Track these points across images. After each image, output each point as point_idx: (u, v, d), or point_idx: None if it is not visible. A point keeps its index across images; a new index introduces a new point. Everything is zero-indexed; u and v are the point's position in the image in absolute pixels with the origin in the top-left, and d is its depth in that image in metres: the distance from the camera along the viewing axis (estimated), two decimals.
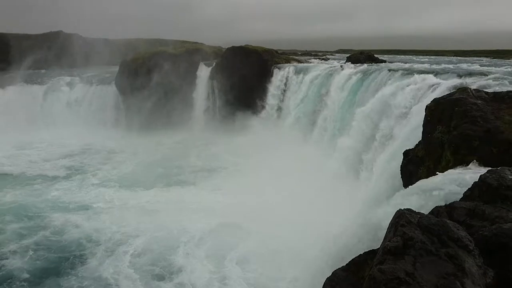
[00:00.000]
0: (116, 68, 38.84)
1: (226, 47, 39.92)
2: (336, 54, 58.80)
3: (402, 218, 5.34)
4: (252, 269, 14.10)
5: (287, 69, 32.67)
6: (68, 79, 38.60)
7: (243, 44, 37.69)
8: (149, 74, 35.96)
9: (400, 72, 21.64)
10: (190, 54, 40.11)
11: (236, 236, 16.12)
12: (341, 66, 28.69)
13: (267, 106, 32.20)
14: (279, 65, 34.44)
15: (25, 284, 13.74)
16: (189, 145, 31.29)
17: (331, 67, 29.83)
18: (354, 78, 24.53)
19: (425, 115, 11.54)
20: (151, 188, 22.48)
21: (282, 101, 31.16)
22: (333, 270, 7.29)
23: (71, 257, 15.25)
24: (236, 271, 14.08)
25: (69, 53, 43.93)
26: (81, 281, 13.77)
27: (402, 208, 5.80)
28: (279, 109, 31.18)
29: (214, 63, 38.02)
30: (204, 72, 37.67)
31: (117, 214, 18.96)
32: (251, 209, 17.98)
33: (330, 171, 20.34)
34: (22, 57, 43.80)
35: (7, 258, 15.24)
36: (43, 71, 42.99)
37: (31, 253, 15.58)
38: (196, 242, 16.01)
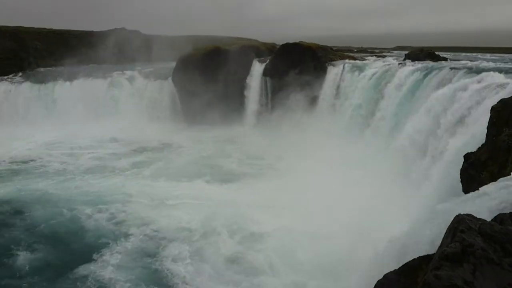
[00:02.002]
0: (173, 64, 40.18)
1: (280, 44, 39.92)
2: (394, 51, 56.81)
3: (462, 224, 5.11)
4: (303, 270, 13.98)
5: (341, 66, 32.10)
6: (128, 74, 40.48)
7: (297, 41, 37.52)
8: (204, 70, 36.79)
9: (463, 70, 20.55)
10: (244, 50, 40.55)
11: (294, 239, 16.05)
12: (399, 63, 27.74)
13: (321, 103, 31.84)
14: (333, 62, 33.93)
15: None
16: (242, 141, 31.72)
17: (388, 64, 28.93)
18: (413, 76, 23.63)
19: (490, 116, 10.92)
20: (210, 182, 23.08)
21: (336, 98, 30.67)
22: (385, 273, 7.12)
23: None
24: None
25: (130, 49, 46.03)
26: None
27: (462, 213, 5.54)
28: (333, 106, 30.69)
29: (268, 60, 38.16)
30: (257, 68, 37.95)
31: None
32: (303, 210, 17.77)
33: (385, 171, 19.77)
34: (87, 53, 46.55)
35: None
36: (106, 65, 45.35)
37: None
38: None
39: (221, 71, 37.23)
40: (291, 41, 37.45)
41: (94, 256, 15.32)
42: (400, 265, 7.00)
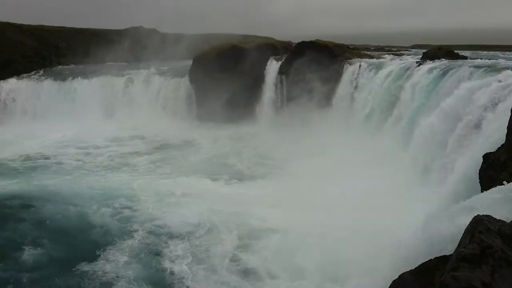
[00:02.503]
0: (190, 62, 40.49)
1: (297, 42, 39.81)
2: (412, 50, 56.01)
3: (480, 225, 5.06)
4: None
5: (358, 64, 31.84)
6: (145, 71, 40.97)
7: (313, 39, 37.34)
8: (220, 68, 36.95)
9: (483, 69, 20.18)
10: (260, 48, 40.58)
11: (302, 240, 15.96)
12: (416, 62, 27.37)
13: (337, 101, 31.64)
14: (350, 60, 33.66)
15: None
16: (256, 139, 31.79)
17: (405, 62, 28.58)
18: (431, 74, 23.29)
19: (510, 116, 10.72)
20: (226, 179, 23.26)
21: (352, 97, 30.44)
22: (400, 273, 7.10)
23: None
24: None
25: (147, 47, 46.54)
26: None
27: (481, 214, 5.49)
28: (349, 105, 30.49)
29: (284, 58, 38.12)
30: (273, 66, 37.94)
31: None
32: (315, 209, 17.66)
33: (402, 170, 19.59)
34: (106, 50, 47.23)
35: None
36: (123, 63, 45.95)
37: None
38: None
39: (237, 69, 37.33)
40: (307, 40, 37.34)
41: (98, 252, 15.43)
42: (416, 265, 6.98)
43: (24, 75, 41.65)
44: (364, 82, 29.98)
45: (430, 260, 6.60)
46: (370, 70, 30.17)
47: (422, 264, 6.61)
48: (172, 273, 14.21)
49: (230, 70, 36.88)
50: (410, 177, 18.90)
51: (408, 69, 26.41)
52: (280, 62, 37.69)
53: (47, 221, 18.25)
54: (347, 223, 15.72)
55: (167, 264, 14.72)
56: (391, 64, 29.12)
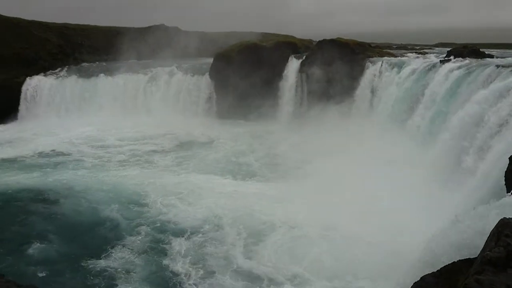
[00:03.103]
0: (211, 60, 40.74)
1: (317, 40, 39.55)
2: (435, 48, 54.89)
3: (507, 228, 4.95)
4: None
5: (380, 63, 31.45)
6: (168, 69, 41.39)
7: (334, 37, 37.02)
8: (240, 66, 37.06)
9: (510, 68, 19.63)
10: (280, 46, 40.53)
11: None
12: (440, 60, 26.83)
13: (358, 101, 31.32)
14: (372, 58, 33.26)
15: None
16: (275, 137, 31.74)
17: (429, 61, 28.05)
18: (456, 73, 22.79)
19: None
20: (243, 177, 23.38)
21: (374, 95, 30.08)
22: (422, 275, 6.99)
23: None
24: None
25: (169, 45, 46.99)
26: None
27: (507, 217, 5.36)
28: (371, 104, 30.14)
29: (304, 56, 37.94)
30: (294, 64, 37.80)
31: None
32: (333, 210, 17.53)
33: (424, 169, 19.25)
34: (128, 48, 47.93)
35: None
36: (145, 61, 46.55)
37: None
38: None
39: (257, 67, 37.37)
40: (328, 38, 37.02)
41: (106, 248, 15.59)
42: (438, 268, 6.86)
43: (49, 72, 42.68)
44: (385, 81, 29.59)
45: (454, 262, 6.49)
46: (392, 69, 29.76)
47: (445, 266, 6.49)
48: (175, 271, 14.22)
49: (250, 68, 36.94)
50: (432, 178, 18.57)
51: (431, 67, 25.92)
52: (300, 60, 37.53)
53: (58, 216, 18.65)
54: (365, 224, 15.56)
55: (171, 262, 14.74)
56: (414, 63, 28.64)
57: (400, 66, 29.28)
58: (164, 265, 14.63)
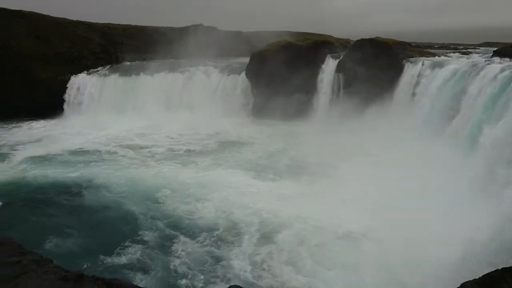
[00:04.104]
0: (247, 59, 41.04)
1: (355, 40, 39.00)
2: (480, 48, 52.73)
3: None
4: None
5: (420, 63, 30.55)
6: (205, 68, 42.09)
7: (373, 36, 36.38)
8: (277, 66, 37.11)
9: None
10: (317, 46, 40.29)
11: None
12: (486, 60, 25.76)
13: (396, 102, 30.58)
14: (412, 58, 32.39)
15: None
16: (311, 137, 31.51)
17: (473, 61, 26.98)
18: (503, 74, 21.76)
19: None
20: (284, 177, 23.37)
21: (413, 97, 29.24)
22: (462, 283, 6.80)
23: None
24: None
25: (207, 44, 47.73)
26: None
27: None
28: (409, 105, 29.29)
29: (342, 56, 37.49)
30: (330, 64, 37.47)
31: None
32: (365, 215, 17.30)
33: (463, 175, 18.56)
34: (167, 47, 49.10)
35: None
36: (183, 60, 47.47)
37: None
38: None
39: (294, 67, 37.32)
40: (366, 37, 36.45)
41: (123, 243, 15.81)
42: (480, 275, 6.66)
43: (92, 70, 44.41)
44: (425, 83, 28.67)
45: (496, 270, 6.28)
46: (433, 70, 28.83)
47: (487, 274, 6.29)
48: (185, 270, 14.25)
49: (286, 68, 36.95)
50: (469, 186, 17.83)
51: (475, 68, 24.89)
52: (337, 60, 37.15)
53: (81, 210, 19.30)
54: (402, 228, 15.23)
55: (181, 259, 14.89)
56: (457, 63, 27.62)
57: (441, 66, 28.32)
58: (173, 261, 14.77)
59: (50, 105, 39.86)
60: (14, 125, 37.93)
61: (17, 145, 30.67)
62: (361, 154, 24.99)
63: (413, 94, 29.33)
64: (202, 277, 13.82)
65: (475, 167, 18.63)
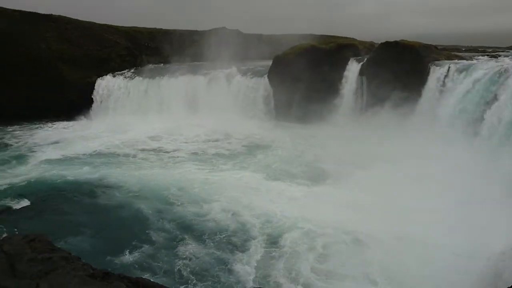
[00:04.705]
0: (269, 62, 41.08)
1: (379, 42, 38.51)
2: (510, 51, 51.25)
3: None
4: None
5: (447, 66, 29.88)
6: (227, 71, 42.38)
7: (397, 39, 35.83)
8: (299, 69, 37.00)
9: None
10: (340, 49, 39.98)
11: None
12: None
13: (421, 107, 29.94)
14: (438, 62, 31.71)
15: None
16: (333, 141, 31.23)
17: (502, 64, 26.22)
18: None
19: None
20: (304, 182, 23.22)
21: (439, 101, 28.58)
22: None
23: None
24: None
25: (230, 48, 48.02)
26: None
27: None
28: (435, 110, 28.60)
29: (365, 59, 37.07)
30: (354, 67, 37.09)
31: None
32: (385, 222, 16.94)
33: (491, 185, 18.03)
34: (191, 50, 49.69)
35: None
36: (206, 63, 47.93)
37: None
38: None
39: (316, 70, 37.15)
40: (391, 40, 35.94)
41: (133, 243, 16.07)
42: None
43: (118, 72, 45.39)
44: (452, 87, 28.01)
45: None
46: (460, 73, 28.16)
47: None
48: (188, 274, 14.28)
49: (309, 71, 36.79)
50: (500, 193, 17.30)
51: (505, 72, 24.17)
52: (361, 63, 36.74)
53: (97, 210, 19.77)
54: (424, 238, 14.94)
55: (187, 261, 14.98)
56: (486, 67, 26.88)
57: (469, 70, 27.64)
58: (179, 263, 14.88)
59: (77, 106, 40.98)
60: (41, 125, 39.24)
61: (43, 145, 31.71)
62: (383, 160, 24.50)
63: (439, 98, 28.69)
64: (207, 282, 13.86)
65: (507, 173, 18.09)
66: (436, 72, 30.25)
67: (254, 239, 16.55)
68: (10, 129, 37.08)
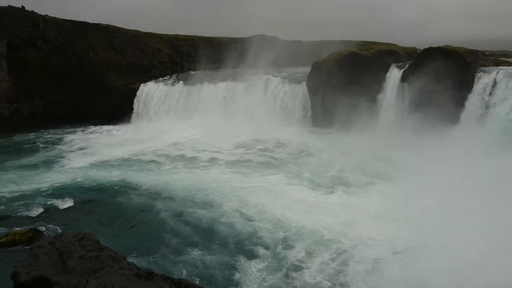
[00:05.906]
0: (307, 69, 40.94)
1: (422, 49, 37.48)
2: None
3: None
4: None
5: (495, 72, 28.62)
6: (266, 77, 42.62)
7: (441, 45, 34.72)
8: (338, 75, 36.66)
9: None
10: (381, 55, 39.25)
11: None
12: None
13: (466, 116, 28.78)
14: (485, 68, 30.43)
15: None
16: (372, 149, 30.54)
17: None
18: None
19: None
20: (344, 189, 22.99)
21: (486, 109, 27.38)
22: None
23: None
24: None
25: (269, 54, 48.32)
26: None
27: None
28: (482, 118, 27.43)
29: (407, 65, 36.16)
30: (395, 74, 36.25)
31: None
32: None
33: None
34: (231, 57, 50.47)
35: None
36: (245, 69, 48.46)
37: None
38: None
39: (356, 77, 36.61)
40: (434, 46, 34.87)
41: (148, 245, 16.62)
42: None
43: (160, 79, 46.85)
44: (501, 95, 26.74)
45: None
46: (510, 79, 26.88)
47: None
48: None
49: (348, 77, 36.35)
50: None
51: None
52: (402, 70, 35.88)
53: (119, 211, 20.58)
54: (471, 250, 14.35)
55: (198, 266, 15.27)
56: None
57: None
58: (189, 267, 15.20)
59: (121, 111, 42.68)
60: (86, 128, 41.28)
61: (88, 147, 33.60)
62: (421, 170, 23.75)
63: (487, 106, 27.48)
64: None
65: None
66: (483, 79, 29.04)
67: (291, 248, 16.64)
68: (53, 131, 39.80)
